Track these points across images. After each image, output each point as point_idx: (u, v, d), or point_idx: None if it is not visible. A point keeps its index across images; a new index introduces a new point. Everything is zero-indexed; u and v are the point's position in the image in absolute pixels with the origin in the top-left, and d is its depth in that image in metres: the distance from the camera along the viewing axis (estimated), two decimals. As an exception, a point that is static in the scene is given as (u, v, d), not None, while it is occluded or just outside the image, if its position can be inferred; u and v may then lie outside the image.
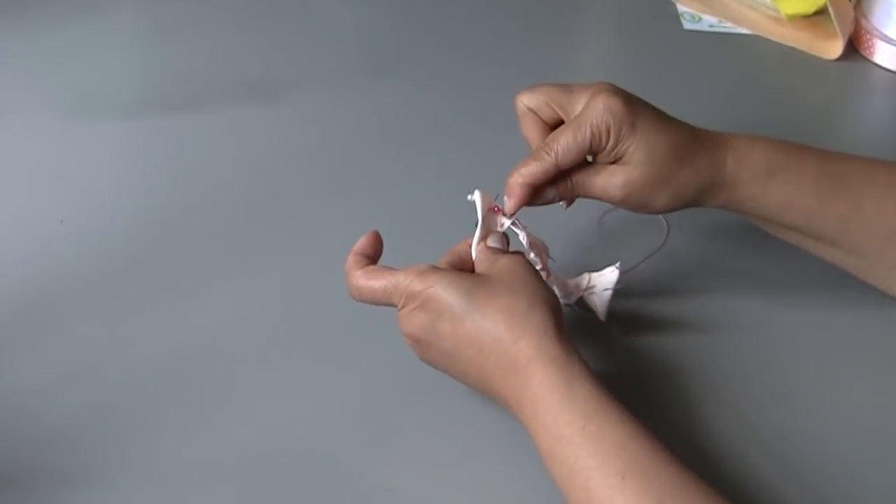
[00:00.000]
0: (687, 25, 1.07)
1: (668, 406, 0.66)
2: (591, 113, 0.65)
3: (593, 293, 0.67)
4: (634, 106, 0.65)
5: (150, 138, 0.89)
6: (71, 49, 0.98)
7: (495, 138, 0.88)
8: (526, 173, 0.65)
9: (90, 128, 0.89)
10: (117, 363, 0.68)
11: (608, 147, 0.65)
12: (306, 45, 1.01)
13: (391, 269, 0.62)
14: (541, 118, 0.68)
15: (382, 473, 0.62)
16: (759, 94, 0.98)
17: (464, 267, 0.65)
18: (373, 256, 0.64)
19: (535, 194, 0.66)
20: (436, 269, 0.62)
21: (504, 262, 0.62)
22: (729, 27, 1.06)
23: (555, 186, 0.66)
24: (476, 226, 0.65)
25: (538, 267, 0.66)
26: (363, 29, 1.05)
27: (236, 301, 0.73)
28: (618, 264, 0.67)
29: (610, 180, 0.66)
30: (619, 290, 0.68)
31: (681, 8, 1.09)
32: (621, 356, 0.70)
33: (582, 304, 0.68)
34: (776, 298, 0.74)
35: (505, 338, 0.58)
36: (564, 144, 0.65)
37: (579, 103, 0.66)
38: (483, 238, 0.65)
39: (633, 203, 0.66)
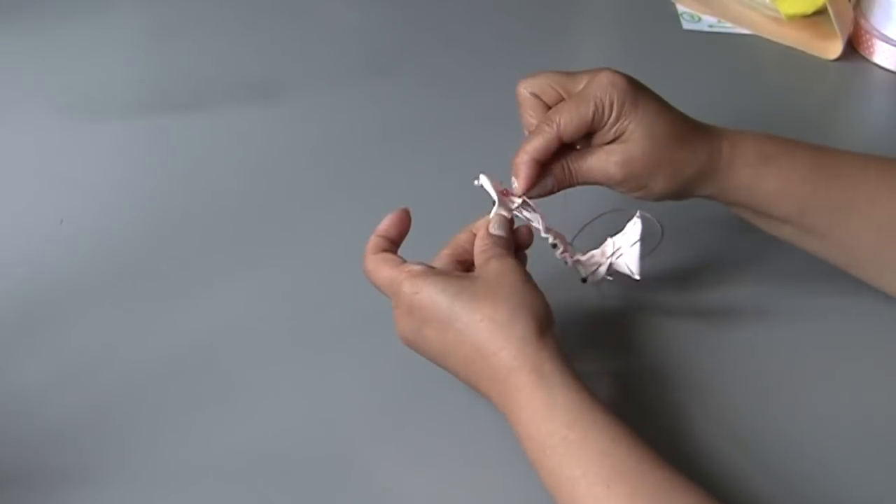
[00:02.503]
0: (686, 25, 1.07)
1: (657, 406, 0.66)
2: (595, 87, 0.65)
3: (621, 254, 0.67)
4: (637, 85, 0.66)
5: (150, 138, 0.89)
6: (71, 49, 0.98)
7: (496, 137, 0.88)
8: (530, 149, 0.66)
9: (90, 128, 0.89)
10: (117, 363, 0.68)
11: (609, 122, 0.65)
12: (306, 44, 1.01)
13: (398, 262, 0.63)
14: (543, 101, 0.68)
15: (382, 473, 0.62)
16: (759, 94, 0.98)
17: (466, 258, 0.65)
18: (395, 238, 0.65)
19: (542, 171, 0.66)
20: (427, 271, 0.61)
21: (494, 265, 0.62)
22: (728, 27, 1.07)
23: (552, 174, 0.66)
24: (494, 206, 0.65)
25: (559, 251, 0.67)
26: (363, 28, 1.05)
27: (236, 301, 0.73)
28: (637, 213, 0.67)
29: (609, 159, 0.66)
30: (610, 291, 0.68)
31: (680, 8, 1.09)
32: (614, 357, 0.70)
33: (614, 272, 0.68)
34: (766, 297, 0.74)
35: (486, 347, 0.58)
36: (567, 116, 0.65)
37: (582, 83, 0.67)
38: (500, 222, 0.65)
39: (632, 184, 0.66)
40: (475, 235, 0.65)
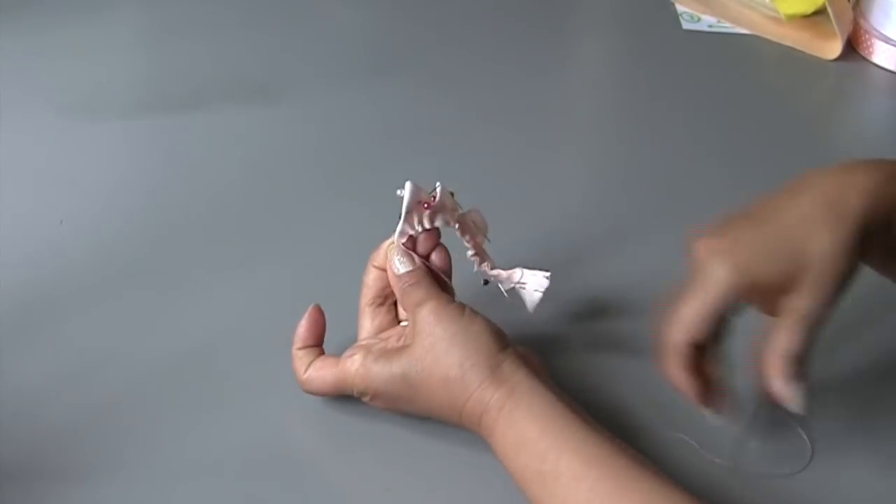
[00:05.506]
0: (686, 25, 1.07)
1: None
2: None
3: (524, 289, 0.67)
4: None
5: (150, 138, 0.89)
6: (71, 49, 0.99)
7: (496, 137, 0.88)
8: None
9: (90, 128, 0.89)
10: (117, 363, 0.68)
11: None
12: (306, 44, 1.02)
13: (332, 362, 0.63)
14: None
15: (381, 472, 0.62)
16: (758, 94, 0.98)
17: (384, 295, 0.65)
18: (317, 342, 0.65)
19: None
20: (368, 361, 0.62)
21: (423, 317, 0.60)
22: (728, 27, 1.07)
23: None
24: (399, 220, 0.63)
25: (470, 252, 0.65)
26: (363, 28, 1.05)
27: (235, 300, 0.73)
28: (548, 274, 0.66)
29: None
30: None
31: (680, 8, 1.09)
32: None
33: (512, 292, 0.67)
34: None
35: (454, 405, 0.60)
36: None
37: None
38: (403, 240, 0.63)
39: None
40: (382, 270, 0.64)
